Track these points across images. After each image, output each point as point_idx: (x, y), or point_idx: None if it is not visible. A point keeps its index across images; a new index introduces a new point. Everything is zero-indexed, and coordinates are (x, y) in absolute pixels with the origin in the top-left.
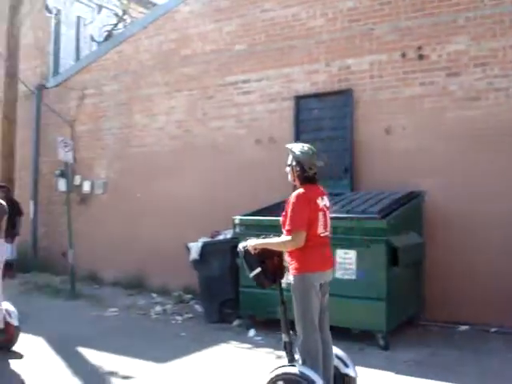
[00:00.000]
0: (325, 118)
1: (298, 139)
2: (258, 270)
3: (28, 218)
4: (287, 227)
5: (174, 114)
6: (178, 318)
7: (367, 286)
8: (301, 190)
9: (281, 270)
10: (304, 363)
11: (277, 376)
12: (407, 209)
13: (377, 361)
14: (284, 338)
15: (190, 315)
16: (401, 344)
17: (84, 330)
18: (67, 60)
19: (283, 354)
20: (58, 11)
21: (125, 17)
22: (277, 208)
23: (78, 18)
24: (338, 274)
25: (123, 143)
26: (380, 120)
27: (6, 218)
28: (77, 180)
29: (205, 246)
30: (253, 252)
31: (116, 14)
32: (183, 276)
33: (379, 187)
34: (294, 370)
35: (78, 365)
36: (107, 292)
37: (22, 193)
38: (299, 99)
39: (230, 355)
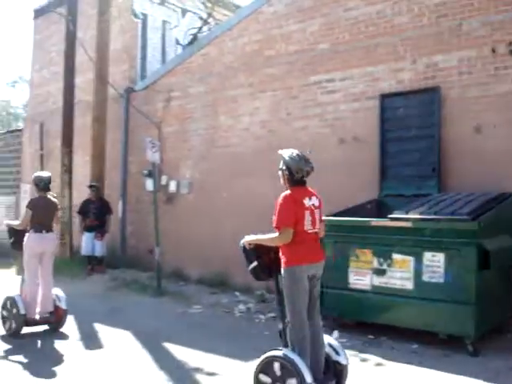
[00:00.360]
0: (411, 116)
1: (383, 138)
2: (255, 263)
3: (117, 217)
4: (275, 224)
5: (258, 114)
6: (261, 316)
7: (456, 289)
8: (287, 192)
9: (276, 265)
10: (293, 348)
11: (266, 358)
12: (499, 210)
13: (465, 367)
14: (279, 325)
15: (273, 314)
16: (489, 351)
17: (170, 326)
18: (154, 63)
19: (368, 356)
20: (145, 16)
21: (209, 20)
22: (362, 209)
23: (164, 22)
24: (425, 277)
25: (208, 144)
26: (469, 118)
27: (57, 213)
28: (163, 180)
29: None
30: (248, 247)
31: (200, 18)
32: None
33: (468, 188)
34: (280, 353)
35: (164, 360)
36: (192, 289)
37: (111, 192)
38: (384, 98)
39: None
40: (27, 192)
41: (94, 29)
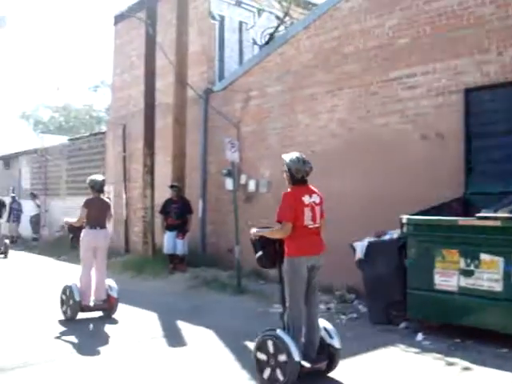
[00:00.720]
0: (497, 110)
1: (467, 134)
2: (260, 253)
3: (197, 216)
4: (276, 219)
5: (336, 112)
6: (343, 317)
7: None
8: (288, 190)
9: (280, 255)
10: (288, 330)
11: (263, 336)
12: None
13: None
14: (281, 309)
15: (354, 315)
16: None
17: (250, 325)
18: (231, 64)
19: (455, 360)
20: (222, 18)
21: (285, 19)
22: (446, 207)
23: (240, 22)
24: None
25: (286, 143)
26: None
27: (110, 212)
28: (243, 179)
29: (370, 246)
30: (253, 239)
31: (277, 17)
32: (346, 275)
33: None
34: (274, 332)
35: (246, 359)
36: (272, 288)
37: (191, 192)
38: (469, 92)
39: (396, 358)
40: (111, 193)
41: (173, 32)
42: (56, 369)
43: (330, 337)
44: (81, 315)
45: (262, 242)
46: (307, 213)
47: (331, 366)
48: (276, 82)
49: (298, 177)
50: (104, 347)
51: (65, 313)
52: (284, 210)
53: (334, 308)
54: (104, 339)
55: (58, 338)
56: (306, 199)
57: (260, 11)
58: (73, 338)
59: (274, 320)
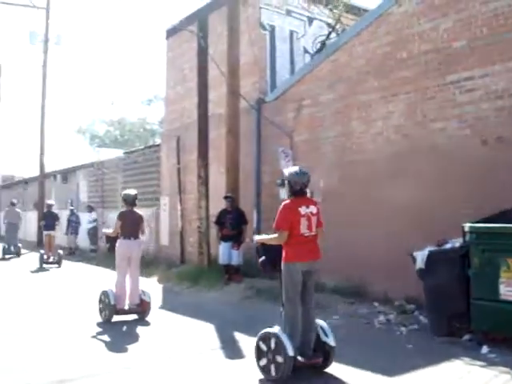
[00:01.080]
0: None
1: None
2: (263, 258)
3: (252, 226)
4: (274, 227)
5: (392, 118)
6: (403, 328)
7: None
8: (286, 201)
9: (280, 260)
10: (284, 328)
11: (263, 333)
12: None
13: None
14: (280, 308)
15: (415, 326)
16: None
17: None
18: (283, 74)
19: None
20: (272, 28)
21: (337, 26)
22: (510, 214)
23: (291, 32)
24: None
25: (340, 151)
26: None
27: (142, 224)
28: None
29: (431, 255)
30: (257, 245)
31: (328, 24)
32: (405, 285)
33: None
34: (272, 330)
35: (307, 371)
36: (327, 299)
37: (246, 202)
38: None
39: (461, 372)
40: (166, 204)
41: (224, 44)
42: (127, 379)
43: (326, 335)
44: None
45: (264, 248)
46: (303, 222)
47: (327, 362)
48: (328, 89)
49: (297, 188)
50: (166, 359)
51: (102, 315)
52: (280, 220)
53: (394, 319)
54: (165, 350)
55: (116, 347)
56: (303, 210)
57: (310, 20)
58: (135, 348)
59: (333, 332)
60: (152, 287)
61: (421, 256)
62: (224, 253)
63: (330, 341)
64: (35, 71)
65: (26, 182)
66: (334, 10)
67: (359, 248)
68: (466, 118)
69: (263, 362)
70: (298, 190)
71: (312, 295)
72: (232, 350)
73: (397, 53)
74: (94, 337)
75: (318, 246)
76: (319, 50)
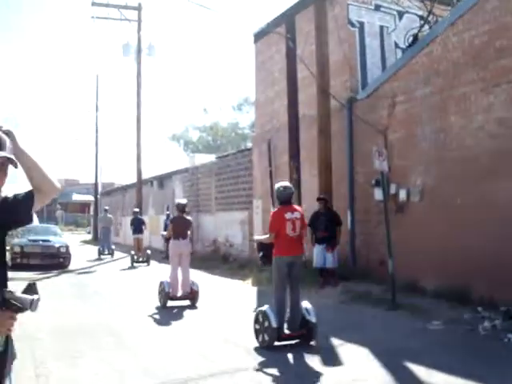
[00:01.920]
0: None
1: None
2: (261, 253)
3: (346, 228)
4: (268, 230)
5: (494, 111)
6: (510, 335)
7: None
8: (275, 209)
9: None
10: (273, 308)
11: (256, 311)
12: None
13: None
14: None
15: None
16: None
17: (407, 343)
18: (374, 70)
19: None
20: (361, 24)
21: (429, 18)
22: None
23: (381, 27)
24: None
25: (438, 148)
26: None
27: (191, 227)
28: (392, 189)
29: None
30: (256, 243)
31: (420, 17)
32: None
33: None
34: (261, 308)
35: (406, 381)
36: (428, 303)
37: (339, 203)
38: None
39: None
40: (259, 207)
41: (313, 43)
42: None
43: (309, 314)
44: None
45: (262, 246)
46: (289, 225)
47: (310, 336)
48: (424, 84)
49: (282, 200)
50: (257, 364)
51: (160, 301)
52: (270, 225)
53: (500, 325)
54: (259, 355)
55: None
56: (288, 215)
57: (401, 13)
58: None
59: (434, 338)
60: (246, 290)
61: None
62: (318, 256)
63: (312, 318)
64: (130, 82)
65: (124, 188)
66: (426, 2)
67: (464, 250)
68: None
69: (260, 338)
70: (284, 201)
71: (298, 281)
72: (330, 356)
73: (496, 41)
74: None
75: (302, 244)
76: (411, 44)
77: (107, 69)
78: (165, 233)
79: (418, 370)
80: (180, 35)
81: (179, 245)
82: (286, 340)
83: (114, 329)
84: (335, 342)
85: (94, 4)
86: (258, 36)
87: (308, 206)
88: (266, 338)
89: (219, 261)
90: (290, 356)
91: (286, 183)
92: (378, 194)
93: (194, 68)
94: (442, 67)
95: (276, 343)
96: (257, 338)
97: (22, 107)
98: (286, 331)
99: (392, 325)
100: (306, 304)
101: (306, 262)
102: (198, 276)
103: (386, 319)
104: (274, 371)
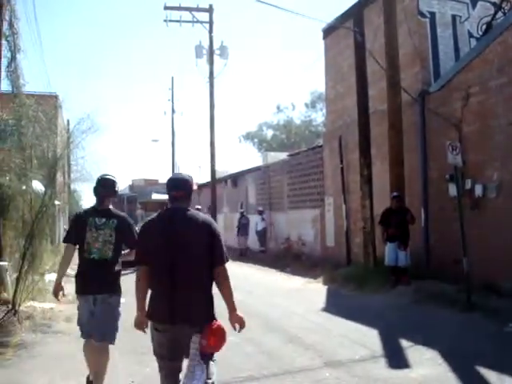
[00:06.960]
0: None
1: None
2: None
3: (419, 226)
4: None
5: None
6: None
7: None
8: None
9: None
10: None
11: None
12: None
13: None
14: None
15: None
16: None
17: (482, 347)
18: (446, 62)
19: None
20: (432, 14)
21: (503, 5)
22: None
23: (453, 16)
24: None
25: None
26: None
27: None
28: (468, 184)
29: None
30: None
31: (494, 4)
32: None
33: None
34: None
35: None
36: (506, 304)
37: (411, 200)
38: None
39: None
40: (331, 204)
41: (382, 37)
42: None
43: None
44: None
45: None
46: None
47: None
48: (499, 73)
49: None
50: (321, 365)
51: None
52: None
53: None
54: (323, 355)
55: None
56: None
57: (474, 1)
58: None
59: (510, 342)
60: (316, 289)
61: None
62: (390, 254)
63: None
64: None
65: (199, 187)
66: None
67: None
68: None
69: None
70: None
71: None
72: (396, 360)
73: None
74: None
75: None
76: (485, 33)
77: (182, 70)
78: None
79: (490, 376)
80: (251, 34)
81: None
82: None
83: None
84: (404, 343)
85: (166, 8)
86: (327, 32)
87: (379, 203)
88: None
89: (291, 259)
90: (355, 357)
91: None
92: (453, 189)
93: (266, 68)
94: None
95: None
96: None
97: (100, 110)
98: None
99: (465, 326)
100: None
101: (377, 260)
102: (264, 273)
103: (460, 320)
104: (340, 372)
